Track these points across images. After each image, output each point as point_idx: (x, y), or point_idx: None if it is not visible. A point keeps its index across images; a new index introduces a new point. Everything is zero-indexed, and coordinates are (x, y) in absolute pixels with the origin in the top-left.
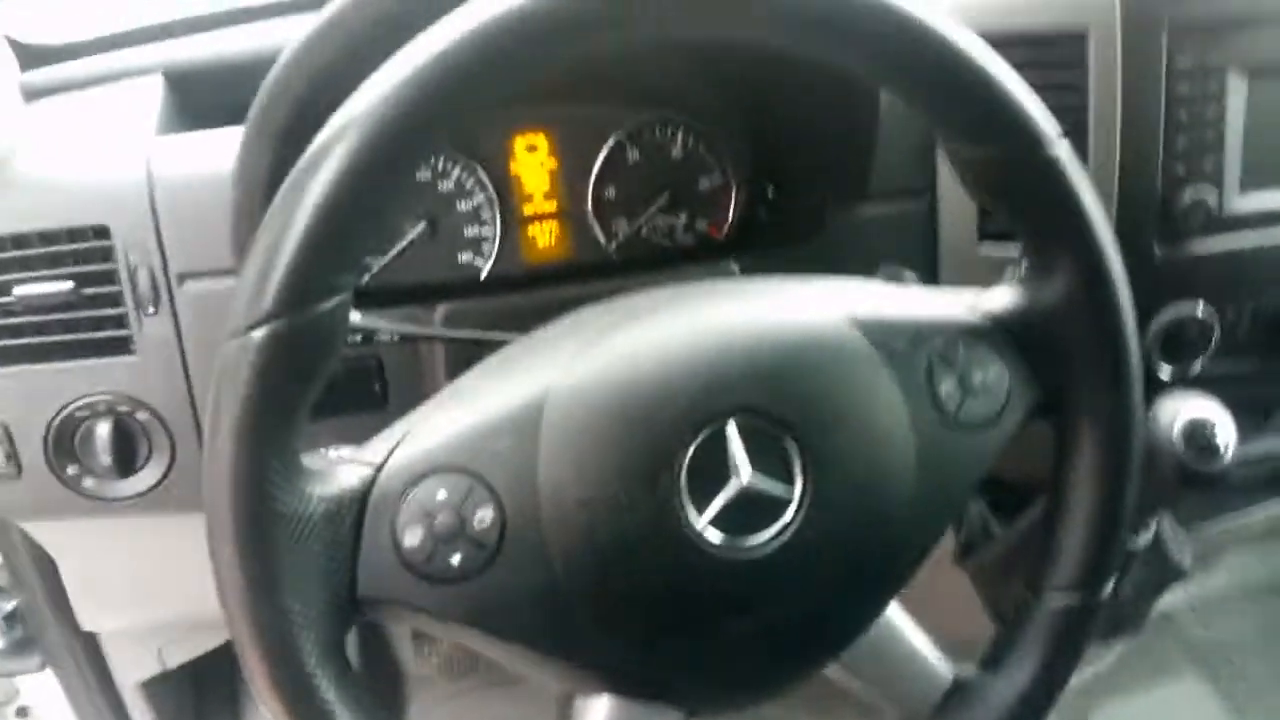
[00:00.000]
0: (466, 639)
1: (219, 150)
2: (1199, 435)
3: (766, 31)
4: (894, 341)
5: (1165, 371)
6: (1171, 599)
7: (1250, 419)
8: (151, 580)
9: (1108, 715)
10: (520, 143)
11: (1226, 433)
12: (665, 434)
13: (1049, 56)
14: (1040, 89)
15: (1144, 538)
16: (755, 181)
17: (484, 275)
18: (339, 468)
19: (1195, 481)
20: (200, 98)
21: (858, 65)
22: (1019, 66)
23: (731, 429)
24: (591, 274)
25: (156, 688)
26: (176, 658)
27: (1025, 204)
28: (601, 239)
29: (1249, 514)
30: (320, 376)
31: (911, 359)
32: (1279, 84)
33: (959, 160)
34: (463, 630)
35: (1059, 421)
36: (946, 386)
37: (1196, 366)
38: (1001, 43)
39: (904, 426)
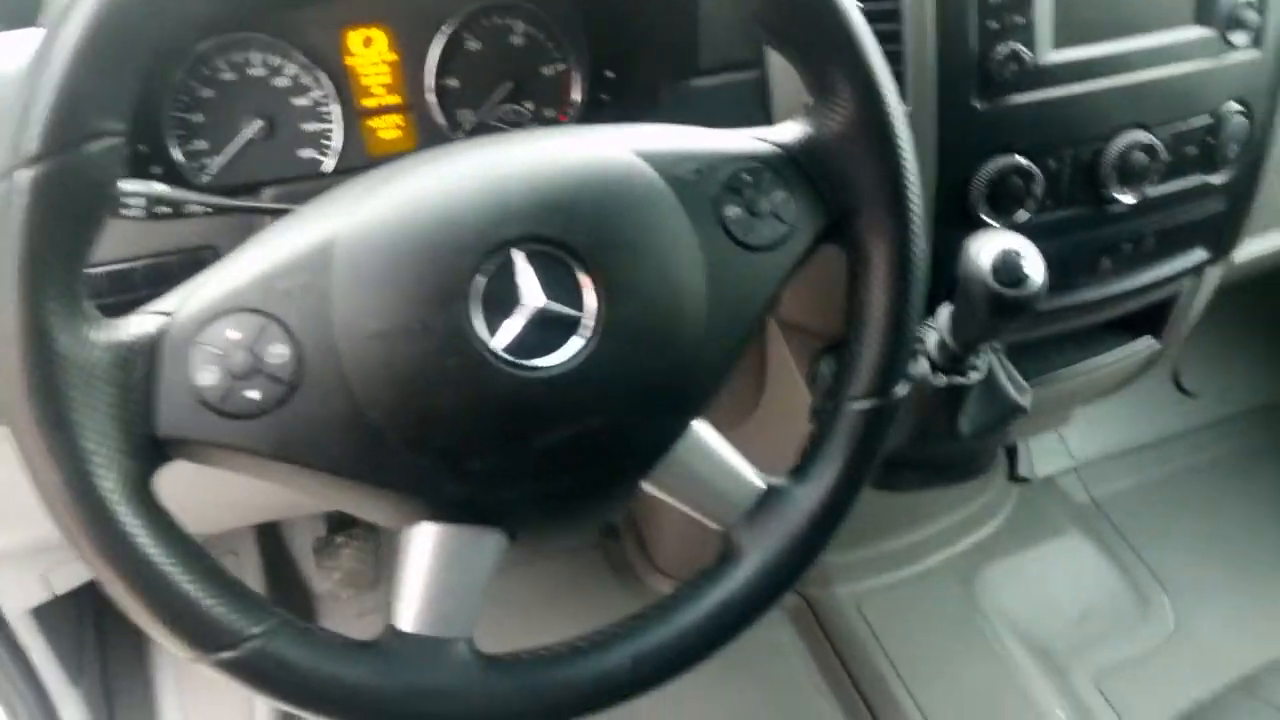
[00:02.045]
0: (279, 476)
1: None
2: (1008, 265)
3: None
4: (680, 170)
5: (991, 221)
6: (1054, 465)
7: (1082, 266)
8: (21, 493)
9: (995, 578)
10: (355, 36)
11: (1033, 264)
12: (453, 263)
13: None
14: None
15: (975, 375)
16: (595, 66)
17: (328, 170)
18: (132, 316)
19: (1006, 309)
20: None
21: None
22: None
23: (518, 256)
24: None
25: (47, 616)
26: (65, 583)
27: (801, 37)
28: (447, 129)
29: (1092, 363)
30: (94, 223)
31: (699, 186)
32: None
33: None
34: (273, 466)
35: (849, 244)
36: (734, 211)
37: (1023, 216)
38: None
39: (693, 249)
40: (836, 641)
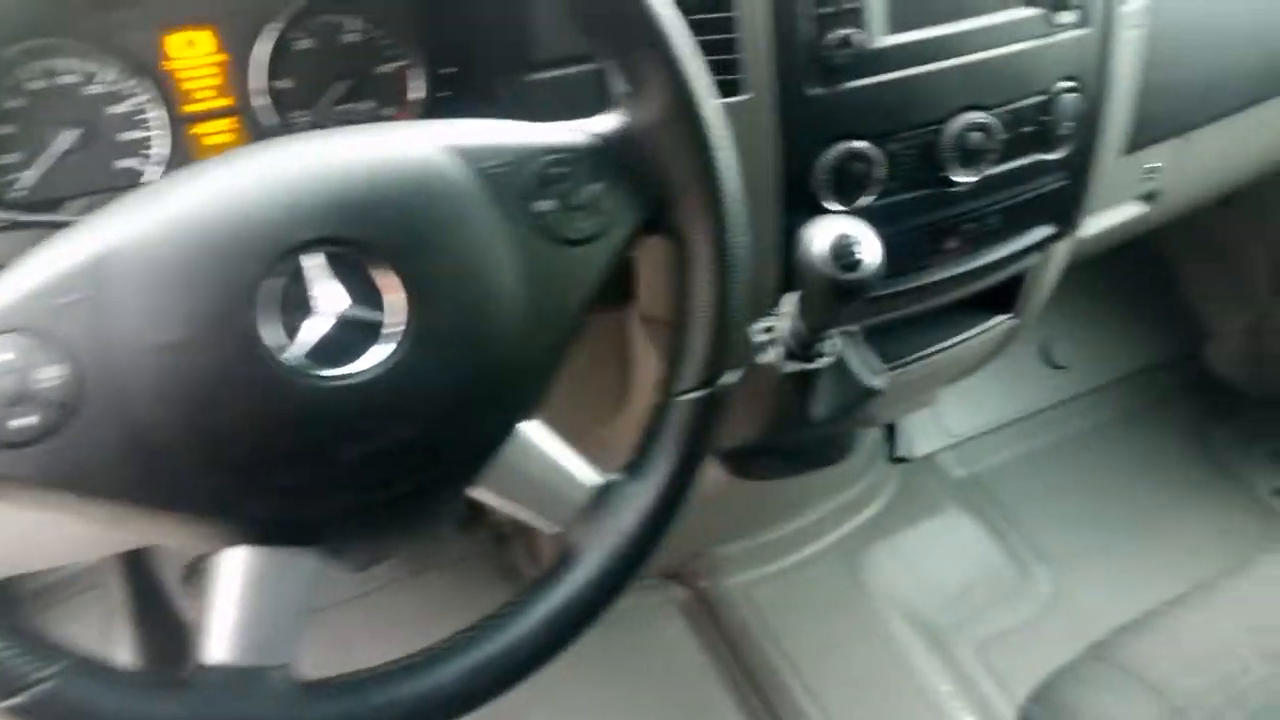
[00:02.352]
0: (67, 507)
1: None
2: (843, 250)
3: None
4: (489, 164)
5: (835, 206)
6: (932, 443)
7: (928, 247)
8: None
9: (880, 558)
10: (176, 39)
11: (869, 247)
12: (239, 268)
13: None
14: None
15: (825, 360)
16: (433, 62)
17: (152, 180)
18: None
19: (843, 293)
20: None
21: None
22: None
23: (313, 259)
24: None
25: None
26: None
27: (608, 28)
28: (281, 133)
29: (951, 343)
30: None
31: (509, 180)
32: None
33: None
34: (56, 496)
35: (671, 234)
36: (547, 205)
37: (866, 201)
38: None
39: (504, 246)
40: (727, 633)
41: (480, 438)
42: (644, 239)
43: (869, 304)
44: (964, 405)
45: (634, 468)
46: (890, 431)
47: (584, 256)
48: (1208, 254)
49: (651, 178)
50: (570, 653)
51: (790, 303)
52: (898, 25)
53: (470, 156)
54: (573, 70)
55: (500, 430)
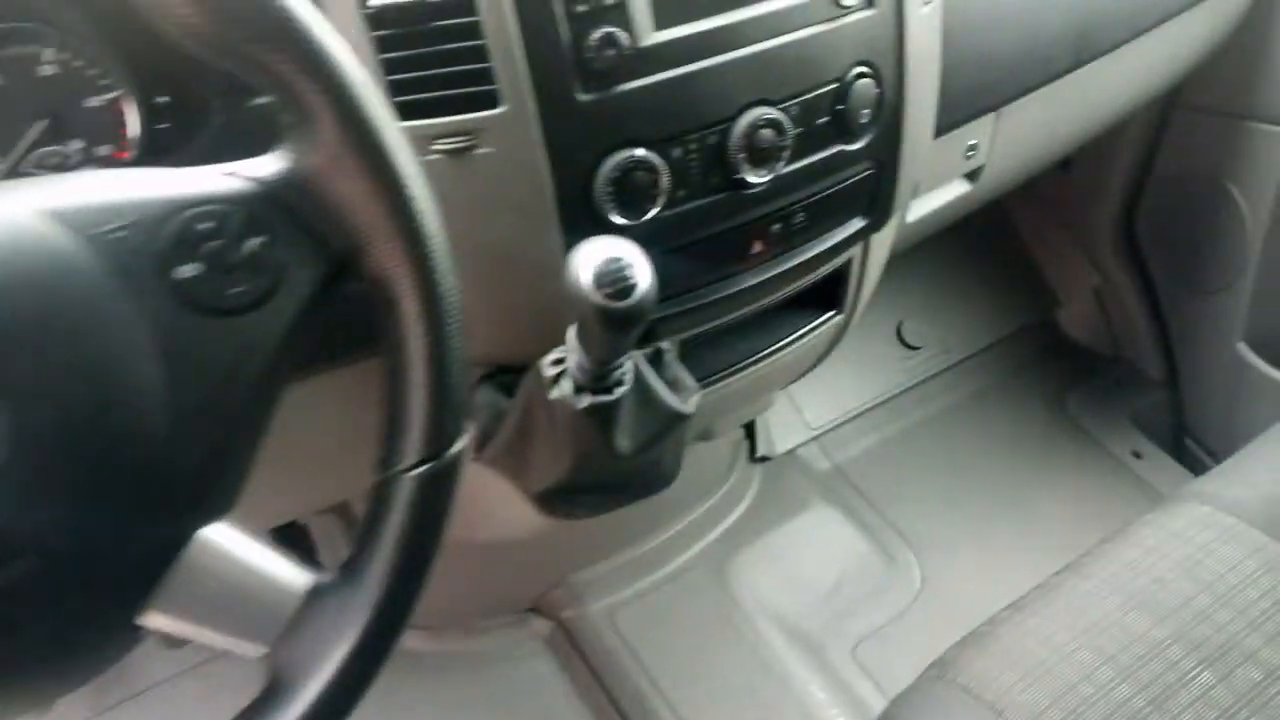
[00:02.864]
0: None
1: None
2: (611, 276)
3: None
4: (107, 228)
5: (622, 221)
6: (793, 438)
7: (733, 253)
8: None
9: (747, 565)
10: None
11: (639, 270)
12: None
13: None
14: None
15: (620, 390)
16: (146, 91)
17: None
18: None
19: (615, 322)
20: None
21: None
22: None
23: None
24: None
25: None
26: None
27: (259, 55)
28: None
29: (778, 347)
30: None
31: (138, 245)
32: None
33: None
34: None
35: (368, 285)
36: (190, 270)
37: (654, 212)
38: None
39: (137, 326)
40: (593, 662)
41: (140, 556)
42: (339, 288)
43: (677, 320)
44: (821, 396)
45: (349, 566)
46: (750, 430)
47: (250, 326)
48: (1052, 219)
49: (330, 224)
50: (429, 699)
51: (572, 334)
52: (666, 20)
53: (77, 221)
54: None
55: (166, 543)
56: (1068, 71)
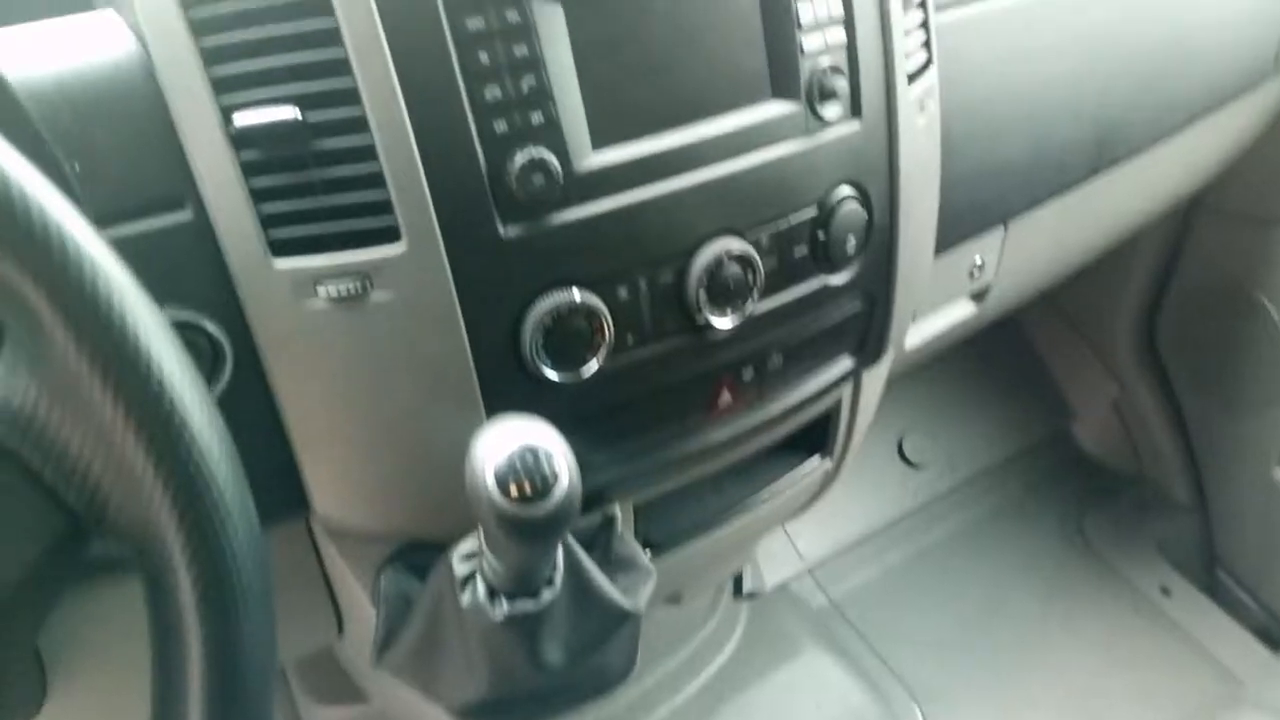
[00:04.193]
0: None
1: None
2: (522, 473)
3: None
4: None
5: (556, 377)
6: (784, 571)
7: (694, 403)
8: None
9: (732, 717)
10: None
11: (558, 463)
12: None
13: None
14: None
15: (548, 594)
16: None
17: None
18: None
19: (524, 531)
20: None
21: None
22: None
23: None
24: None
25: None
26: None
27: None
28: None
29: (754, 501)
30: None
31: None
32: (596, 5)
33: None
34: None
35: (115, 560)
36: None
37: (594, 365)
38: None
39: None
40: None
41: None
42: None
43: (630, 482)
44: (816, 523)
45: None
46: None
47: None
48: (1065, 322)
49: (60, 474)
50: None
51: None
52: (607, 136)
53: None
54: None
55: None
56: (1083, 181)
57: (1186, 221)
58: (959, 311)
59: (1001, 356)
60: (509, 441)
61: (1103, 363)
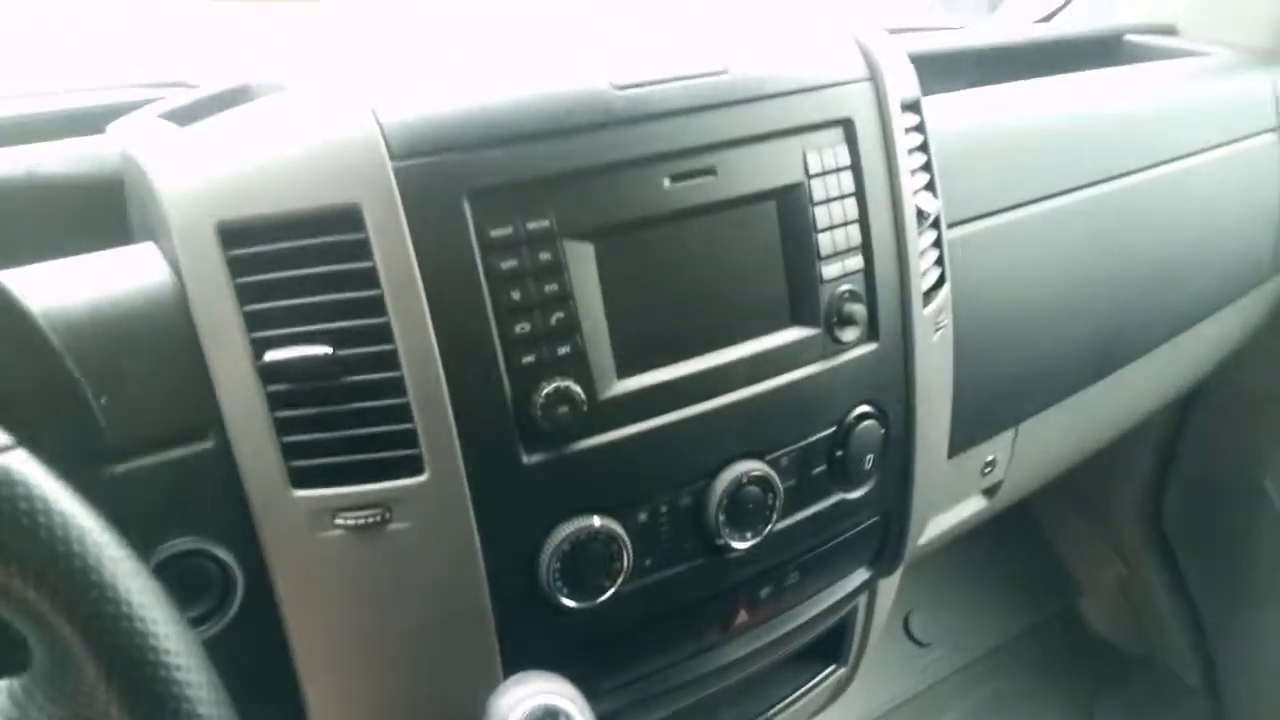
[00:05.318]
0: None
1: None
2: None
3: None
4: None
5: (572, 604)
6: None
7: (710, 621)
8: None
9: None
10: None
11: None
12: None
13: (325, 244)
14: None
15: None
16: None
17: None
18: None
19: None
20: None
21: None
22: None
23: None
24: None
25: None
26: None
27: None
28: None
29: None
30: None
31: None
32: (625, 243)
33: None
34: None
35: None
36: None
37: (610, 591)
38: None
39: None
40: None
41: None
42: None
43: (640, 706)
44: None
45: None
46: None
47: None
48: (1071, 500)
49: None
50: None
51: None
52: (632, 366)
53: None
54: (173, 454)
55: None
56: (1090, 384)
57: (1185, 406)
58: (970, 507)
59: (1008, 534)
60: (530, 700)
61: (1109, 544)
